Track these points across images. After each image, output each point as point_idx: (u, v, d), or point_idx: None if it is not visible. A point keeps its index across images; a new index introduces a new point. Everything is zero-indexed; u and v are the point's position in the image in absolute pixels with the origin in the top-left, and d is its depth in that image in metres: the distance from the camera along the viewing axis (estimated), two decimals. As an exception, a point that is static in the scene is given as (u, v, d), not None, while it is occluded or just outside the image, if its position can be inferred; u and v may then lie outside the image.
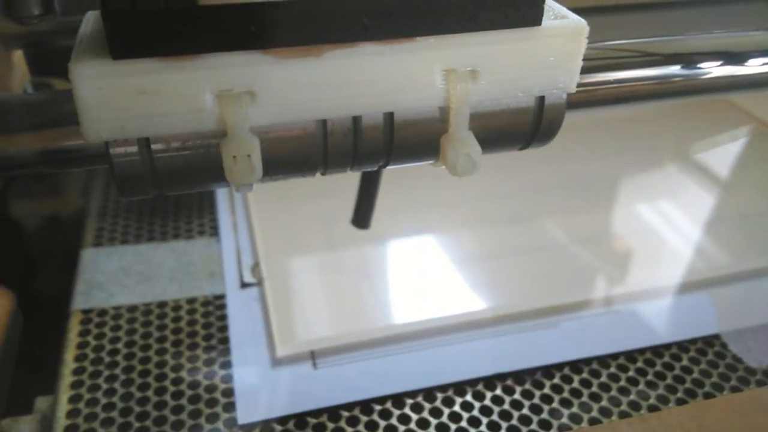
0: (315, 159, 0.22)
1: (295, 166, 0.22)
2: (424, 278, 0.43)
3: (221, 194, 0.49)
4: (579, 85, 0.22)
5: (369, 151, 0.22)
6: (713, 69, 0.28)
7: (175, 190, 0.21)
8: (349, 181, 0.51)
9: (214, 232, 0.45)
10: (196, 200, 0.48)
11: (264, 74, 0.19)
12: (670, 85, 0.27)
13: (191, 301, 0.40)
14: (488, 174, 0.53)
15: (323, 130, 0.21)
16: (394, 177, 0.48)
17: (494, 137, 0.23)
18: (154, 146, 0.19)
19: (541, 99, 0.22)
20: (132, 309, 0.39)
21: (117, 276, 0.41)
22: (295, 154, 0.21)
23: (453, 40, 0.20)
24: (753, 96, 0.59)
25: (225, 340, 0.37)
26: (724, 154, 0.57)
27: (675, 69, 0.27)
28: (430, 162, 0.23)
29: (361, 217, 0.33)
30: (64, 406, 0.33)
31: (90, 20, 0.20)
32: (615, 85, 0.26)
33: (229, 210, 0.47)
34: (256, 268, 0.42)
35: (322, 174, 0.23)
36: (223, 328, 0.38)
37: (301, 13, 0.18)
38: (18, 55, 0.44)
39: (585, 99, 0.26)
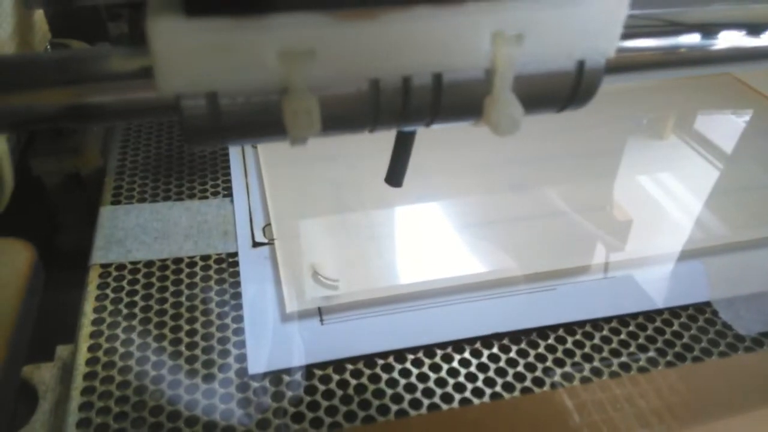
0: (366, 117, 0.22)
1: (347, 123, 0.23)
2: (428, 241, 0.44)
3: (234, 157, 0.50)
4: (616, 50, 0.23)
5: (416, 110, 0.23)
6: (743, 40, 0.28)
7: (237, 141, 0.23)
8: (357, 147, 0.52)
9: (228, 193, 0.46)
10: (210, 162, 0.49)
11: (325, 35, 0.20)
12: (700, 54, 0.28)
13: (205, 258, 0.41)
14: (492, 143, 0.54)
15: (375, 90, 0.22)
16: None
17: (534, 99, 0.23)
18: (220, 100, 0.20)
19: (581, 63, 0.23)
20: (149, 264, 0.40)
21: (135, 232, 0.42)
22: (349, 112, 0.22)
23: (502, 4, 0.21)
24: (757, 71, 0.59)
25: (237, 296, 0.38)
26: (725, 126, 0.57)
27: (707, 39, 0.28)
28: (472, 122, 0.24)
29: (395, 175, 0.33)
30: (83, 355, 0.35)
31: None
32: (650, 52, 0.27)
33: (242, 172, 0.48)
34: (267, 229, 0.43)
35: (370, 131, 0.24)
36: (236, 285, 0.39)
37: None
38: (39, 15, 0.45)
39: (621, 65, 0.27)
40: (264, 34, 0.19)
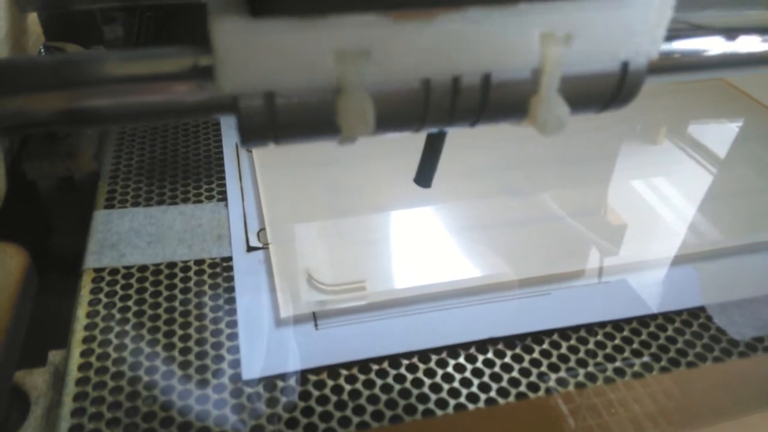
0: (415, 116, 0.23)
1: (397, 122, 0.23)
2: (422, 246, 0.44)
3: (229, 160, 0.50)
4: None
5: (464, 110, 0.23)
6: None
7: (291, 140, 0.23)
8: (351, 151, 0.52)
9: (222, 197, 0.46)
10: (204, 166, 0.49)
11: (381, 35, 0.20)
12: (738, 58, 0.28)
13: (199, 262, 0.41)
14: (487, 148, 0.54)
15: (426, 89, 0.22)
16: (396, 153, 0.49)
17: (578, 99, 0.24)
18: (277, 100, 0.21)
19: (625, 64, 0.23)
20: (142, 269, 0.40)
21: (128, 237, 0.42)
22: (399, 111, 0.22)
23: (552, 5, 0.21)
24: (748, 75, 0.60)
25: (231, 301, 0.38)
26: (718, 132, 0.57)
27: (740, 42, 0.28)
28: (517, 121, 0.24)
29: (424, 176, 0.33)
30: (76, 360, 0.34)
31: None
32: (690, 54, 0.28)
33: (237, 176, 0.48)
34: (262, 233, 0.43)
35: (415, 131, 0.24)
36: (230, 289, 0.39)
37: None
38: (33, 18, 0.45)
39: (662, 66, 0.27)
40: (323, 34, 0.20)
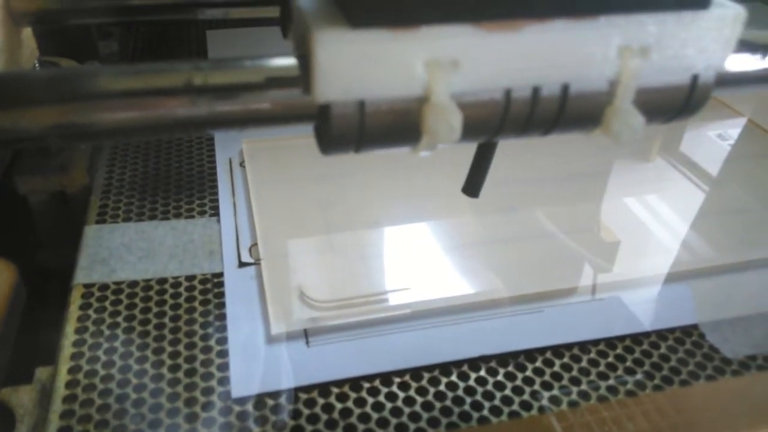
0: (493, 125, 0.23)
1: (475, 131, 0.23)
2: (415, 263, 0.44)
3: (222, 176, 0.50)
4: None
5: (540, 119, 0.23)
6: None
7: (373, 148, 0.23)
8: (345, 166, 0.52)
9: (214, 212, 0.46)
10: (197, 181, 0.49)
11: (470, 45, 0.21)
12: None
13: (190, 278, 0.40)
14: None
15: (507, 99, 0.22)
16: (389, 169, 0.49)
17: (648, 110, 0.24)
18: (366, 108, 0.21)
19: (695, 77, 0.24)
20: (133, 284, 0.40)
21: (119, 252, 0.42)
22: (480, 120, 0.23)
23: (632, 18, 0.22)
24: (742, 94, 0.60)
25: (222, 317, 0.38)
26: (711, 150, 0.58)
27: None
28: (590, 131, 0.24)
29: (473, 186, 0.33)
30: (63, 377, 0.34)
31: None
32: (748, 69, 0.28)
33: (230, 191, 0.48)
34: (253, 249, 0.43)
35: (489, 140, 0.24)
36: (221, 305, 0.39)
37: None
38: (27, 33, 0.45)
39: (725, 79, 0.27)
40: (415, 45, 0.20)
